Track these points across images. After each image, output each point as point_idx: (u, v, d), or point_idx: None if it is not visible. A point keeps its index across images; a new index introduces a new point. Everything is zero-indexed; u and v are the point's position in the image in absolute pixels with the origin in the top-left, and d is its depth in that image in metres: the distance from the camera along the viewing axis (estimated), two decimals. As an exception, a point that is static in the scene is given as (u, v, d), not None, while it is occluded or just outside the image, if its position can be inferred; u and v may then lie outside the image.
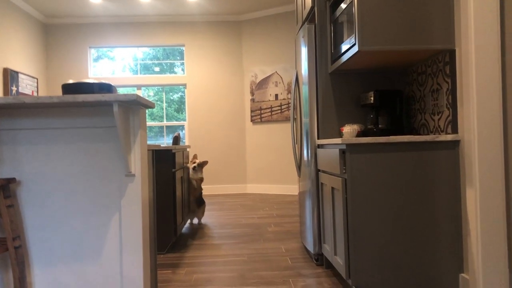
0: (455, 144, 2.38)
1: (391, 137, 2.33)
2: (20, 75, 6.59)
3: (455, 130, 2.40)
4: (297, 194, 7.24)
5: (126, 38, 7.69)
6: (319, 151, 2.94)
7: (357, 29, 2.42)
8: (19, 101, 1.81)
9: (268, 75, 7.48)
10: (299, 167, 3.51)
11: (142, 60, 7.89)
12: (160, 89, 7.95)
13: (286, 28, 7.38)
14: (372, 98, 2.80)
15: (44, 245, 2.10)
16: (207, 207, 6.01)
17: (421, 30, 2.43)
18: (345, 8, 2.61)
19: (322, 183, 2.91)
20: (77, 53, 7.63)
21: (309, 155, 3.11)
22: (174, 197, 3.65)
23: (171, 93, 7.96)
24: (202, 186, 7.71)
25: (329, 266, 3.01)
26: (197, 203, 4.81)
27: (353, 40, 2.48)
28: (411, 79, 2.96)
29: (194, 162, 4.80)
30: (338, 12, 2.78)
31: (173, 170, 3.66)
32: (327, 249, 2.81)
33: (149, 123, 7.87)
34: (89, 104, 1.98)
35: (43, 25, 7.52)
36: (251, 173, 7.73)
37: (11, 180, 2.01)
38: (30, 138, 2.10)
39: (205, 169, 7.74)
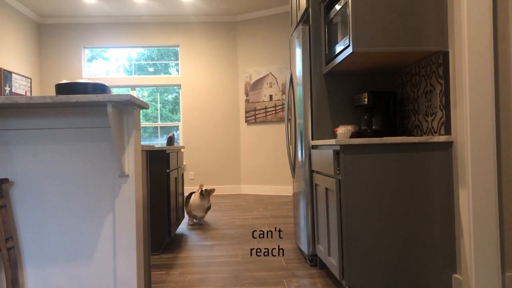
0: (448, 145, 2.39)
1: (384, 138, 2.34)
2: (14, 75, 6.56)
3: (448, 131, 2.41)
4: (291, 195, 7.25)
5: (120, 38, 7.67)
6: (313, 152, 2.95)
7: (351, 31, 2.42)
8: (12, 101, 1.80)
9: (262, 76, 7.48)
10: (293, 168, 3.52)
11: (137, 61, 7.87)
12: (155, 90, 7.93)
13: (281, 29, 7.40)
14: (366, 99, 2.81)
15: (37, 246, 2.09)
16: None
17: (414, 31, 2.44)
18: (340, 9, 2.62)
19: (316, 184, 2.92)
20: (71, 53, 7.60)
21: (303, 156, 3.12)
22: (168, 198, 3.65)
23: (165, 94, 7.95)
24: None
25: (323, 266, 3.02)
26: (205, 211, 4.84)
27: (347, 41, 2.49)
28: (404, 81, 2.98)
29: (200, 189, 4.78)
30: (332, 14, 2.79)
31: (167, 170, 3.65)
32: (321, 249, 2.81)
33: (143, 123, 7.85)
34: (82, 105, 1.97)
35: (37, 25, 7.48)
36: (245, 174, 7.73)
37: (4, 181, 1.99)
38: (23, 138, 2.08)
39: (199, 168, 7.72)
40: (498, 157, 2.28)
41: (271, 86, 7.39)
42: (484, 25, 2.23)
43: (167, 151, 3.68)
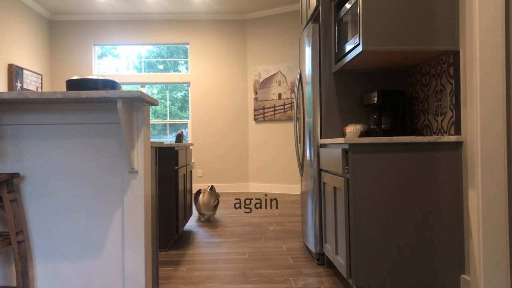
0: (458, 145, 2.38)
1: (393, 137, 2.33)
2: (25, 71, 6.62)
3: (458, 131, 2.40)
4: (299, 193, 7.24)
5: (130, 35, 7.71)
6: (322, 150, 2.95)
7: (361, 29, 2.42)
8: (23, 96, 1.82)
9: (271, 74, 7.48)
10: (301, 166, 3.52)
11: (146, 58, 7.90)
12: (164, 87, 7.96)
13: (291, 27, 7.38)
14: (375, 98, 2.80)
15: (46, 239, 2.12)
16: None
17: (425, 31, 2.43)
18: (350, 8, 2.61)
19: (324, 183, 2.92)
20: (81, 50, 7.65)
21: (312, 155, 3.11)
22: (176, 195, 3.66)
23: (174, 91, 7.98)
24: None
25: (330, 265, 3.02)
26: (214, 209, 4.88)
27: (357, 40, 2.48)
28: (414, 80, 2.96)
29: (209, 187, 4.82)
30: (342, 12, 2.79)
31: (176, 167, 3.67)
32: (329, 248, 2.81)
33: (152, 121, 7.89)
34: (93, 100, 1.99)
35: (48, 21, 7.54)
36: (254, 172, 7.73)
37: (15, 175, 2.02)
38: (34, 134, 2.11)
39: (207, 166, 7.74)
40: (508, 158, 2.26)
41: (280, 85, 7.39)
42: (496, 24, 2.21)
43: (175, 148, 3.70)
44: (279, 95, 7.38)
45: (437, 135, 2.60)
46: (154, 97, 6.77)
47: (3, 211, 2.11)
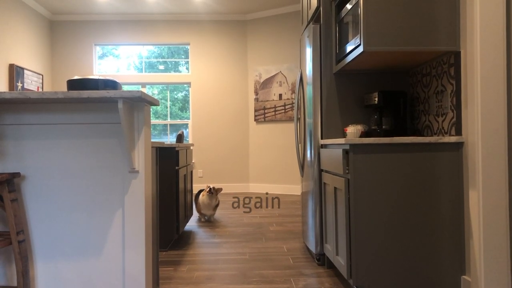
0: (459, 146, 2.38)
1: (394, 138, 2.33)
2: (26, 71, 6.62)
3: (459, 132, 2.39)
4: (299, 194, 7.24)
5: (131, 36, 7.71)
6: (323, 151, 2.95)
7: (362, 30, 2.42)
8: (24, 96, 1.82)
9: (272, 74, 7.48)
10: (302, 167, 3.51)
11: (147, 58, 7.91)
12: (165, 88, 7.96)
13: (291, 28, 7.39)
14: (376, 99, 2.80)
15: (47, 239, 2.12)
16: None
17: (426, 31, 2.43)
18: (351, 8, 2.61)
19: (325, 183, 2.92)
20: (82, 50, 7.66)
21: (312, 155, 3.11)
22: (177, 195, 3.66)
23: (175, 92, 7.98)
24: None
25: (330, 266, 3.02)
26: (214, 209, 4.87)
27: (358, 40, 2.49)
28: (415, 80, 2.96)
29: (208, 187, 4.81)
30: (343, 13, 2.79)
31: (177, 167, 3.67)
32: (329, 249, 2.81)
33: (153, 121, 7.89)
34: (94, 100, 1.99)
35: (49, 21, 7.55)
36: (254, 172, 7.73)
37: (16, 175, 2.02)
38: (35, 133, 2.11)
39: (208, 166, 7.74)
40: (509, 158, 2.26)
41: (280, 85, 7.39)
42: (497, 25, 2.21)
43: (176, 148, 3.70)
44: (280, 95, 7.39)
45: (438, 136, 2.60)
46: (155, 98, 6.73)
47: (4, 211, 2.11)
